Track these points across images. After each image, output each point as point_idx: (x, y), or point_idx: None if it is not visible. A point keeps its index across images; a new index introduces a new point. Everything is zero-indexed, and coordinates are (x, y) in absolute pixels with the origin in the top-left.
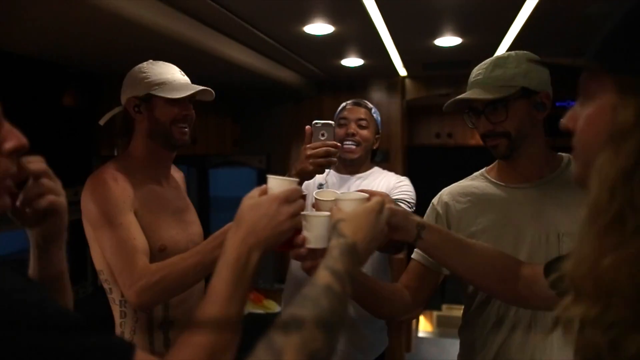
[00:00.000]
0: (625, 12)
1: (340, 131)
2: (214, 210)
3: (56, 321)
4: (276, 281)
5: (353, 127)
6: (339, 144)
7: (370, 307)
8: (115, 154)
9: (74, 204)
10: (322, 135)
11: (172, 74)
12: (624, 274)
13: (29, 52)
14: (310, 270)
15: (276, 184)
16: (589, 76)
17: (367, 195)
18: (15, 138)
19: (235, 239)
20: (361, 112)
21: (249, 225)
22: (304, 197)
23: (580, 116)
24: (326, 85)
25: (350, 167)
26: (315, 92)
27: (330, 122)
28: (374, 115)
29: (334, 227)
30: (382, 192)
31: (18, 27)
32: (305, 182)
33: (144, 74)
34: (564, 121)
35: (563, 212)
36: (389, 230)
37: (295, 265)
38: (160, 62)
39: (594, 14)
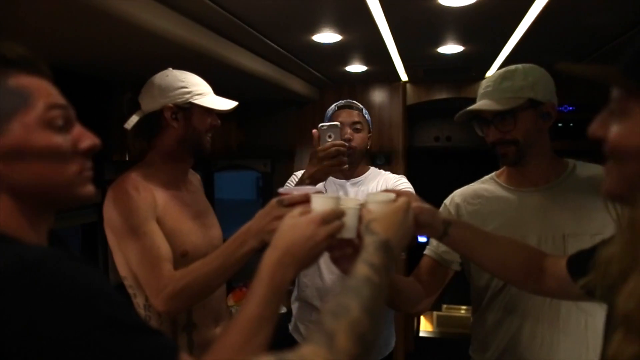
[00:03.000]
0: None
1: None
2: (219, 213)
3: (118, 318)
4: None
5: (349, 132)
6: (346, 144)
7: (387, 299)
8: (127, 159)
9: (87, 208)
10: (329, 137)
11: (205, 84)
12: None
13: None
14: (337, 261)
15: (319, 202)
16: (624, 90)
17: (393, 196)
18: (89, 138)
19: (272, 258)
20: (354, 115)
21: (286, 245)
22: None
23: (612, 127)
24: (328, 90)
25: (347, 171)
26: (317, 97)
27: (336, 123)
28: (365, 115)
29: (366, 227)
30: (408, 191)
31: (27, 33)
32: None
33: (183, 83)
34: (594, 129)
35: (568, 215)
36: (416, 228)
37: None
38: (185, 72)
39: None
